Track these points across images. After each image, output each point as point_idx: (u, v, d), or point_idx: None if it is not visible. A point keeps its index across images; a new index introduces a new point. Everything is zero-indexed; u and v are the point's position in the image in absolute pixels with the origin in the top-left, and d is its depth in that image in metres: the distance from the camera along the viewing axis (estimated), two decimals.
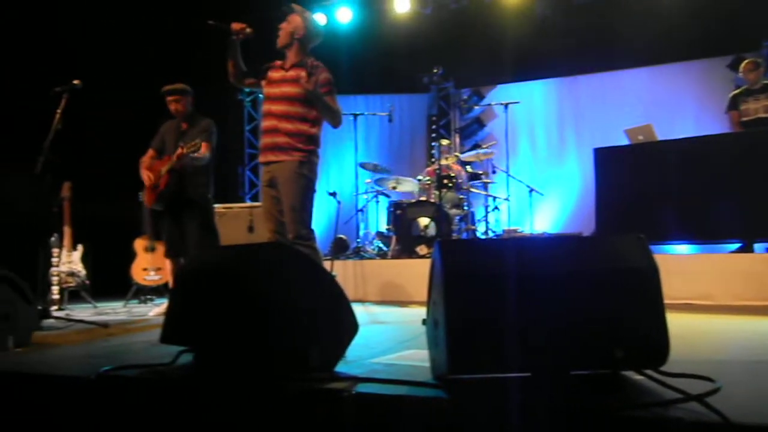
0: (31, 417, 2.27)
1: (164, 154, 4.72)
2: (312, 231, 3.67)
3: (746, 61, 5.96)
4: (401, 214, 6.40)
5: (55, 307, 4.94)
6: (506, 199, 7.41)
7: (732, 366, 2.29)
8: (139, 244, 6.00)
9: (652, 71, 8.09)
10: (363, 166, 7.26)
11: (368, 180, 7.45)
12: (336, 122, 3.73)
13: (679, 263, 4.81)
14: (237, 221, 6.23)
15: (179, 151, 4.43)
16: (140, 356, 2.71)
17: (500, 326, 1.78)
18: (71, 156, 4.36)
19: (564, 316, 1.80)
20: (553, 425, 1.58)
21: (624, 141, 5.68)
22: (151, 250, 5.96)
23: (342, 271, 5.86)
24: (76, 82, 4.25)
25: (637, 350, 1.78)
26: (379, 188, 7.38)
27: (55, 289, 5.09)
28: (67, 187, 5.50)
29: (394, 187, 7.20)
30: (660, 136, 5.51)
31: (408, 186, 7.22)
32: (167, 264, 5.39)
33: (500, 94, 8.75)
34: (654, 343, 1.79)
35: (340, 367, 2.18)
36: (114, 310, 5.27)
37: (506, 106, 7.45)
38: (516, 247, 2.02)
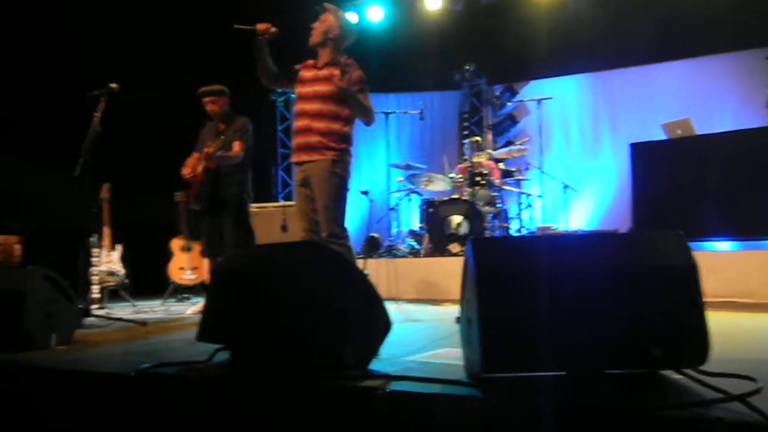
0: (73, 413, 2.33)
1: None
2: (345, 229, 3.68)
3: None
4: (433, 212, 6.38)
5: (96, 306, 5.05)
6: (540, 196, 7.33)
7: None
8: (176, 243, 6.10)
9: (691, 64, 7.90)
10: (395, 164, 7.26)
11: (400, 178, 7.44)
12: (369, 120, 3.74)
13: (720, 260, 4.70)
14: (270, 220, 6.29)
15: (206, 150, 4.49)
16: (178, 354, 2.76)
17: (534, 325, 1.76)
18: (109, 158, 4.46)
19: (600, 315, 1.78)
20: (589, 426, 1.56)
21: (661, 136, 5.56)
22: (187, 249, 6.06)
23: (375, 269, 5.87)
24: (113, 85, 4.33)
25: (676, 349, 1.75)
26: (411, 186, 7.37)
27: (95, 288, 5.21)
28: (106, 189, 5.62)
29: (426, 185, 7.18)
30: (699, 130, 5.38)
31: (440, 184, 7.19)
32: (204, 263, 5.48)
33: (533, 89, 8.65)
34: (694, 341, 1.75)
35: (374, 365, 2.19)
36: (152, 309, 5.37)
37: (539, 102, 7.37)
38: (550, 245, 2.00)
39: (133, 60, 6.38)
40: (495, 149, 7.73)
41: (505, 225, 6.99)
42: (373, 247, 6.82)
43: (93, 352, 2.97)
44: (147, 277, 6.18)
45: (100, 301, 5.28)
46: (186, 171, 4.68)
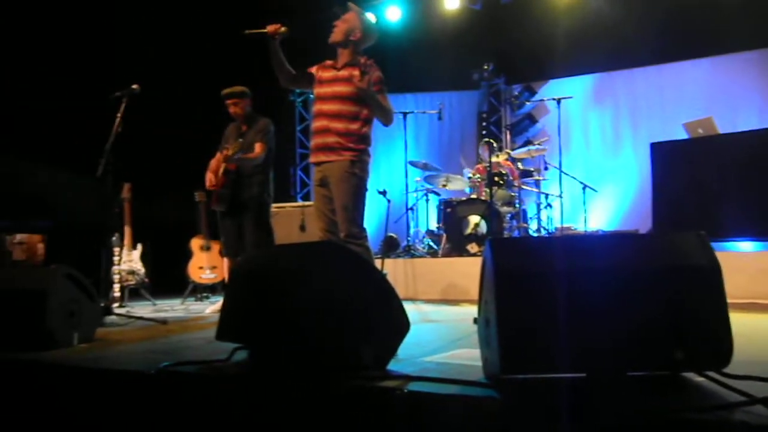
0: (94, 411, 2.36)
1: None
2: (363, 229, 3.67)
3: None
4: (451, 212, 6.37)
5: (117, 305, 5.11)
6: (559, 196, 7.27)
7: None
8: (195, 243, 6.15)
9: (713, 62, 7.80)
10: (413, 164, 7.26)
11: (418, 178, 7.44)
12: (388, 121, 3.73)
13: (743, 261, 4.63)
14: (289, 220, 6.32)
15: (225, 152, 4.53)
16: (197, 352, 2.79)
17: (553, 326, 1.75)
18: (131, 158, 4.51)
19: (621, 316, 1.76)
20: (609, 429, 1.55)
21: (682, 135, 5.50)
22: (206, 249, 6.10)
23: (393, 269, 5.87)
24: (134, 86, 4.39)
25: (699, 351, 1.73)
26: (429, 186, 7.36)
27: (116, 287, 5.28)
28: (127, 189, 5.68)
29: (444, 185, 7.17)
30: (722, 129, 5.31)
31: (458, 184, 7.18)
32: (223, 262, 5.51)
33: (552, 89, 8.59)
34: (716, 343, 1.73)
35: (392, 366, 2.19)
36: (172, 308, 5.42)
37: (559, 101, 7.30)
38: (569, 245, 1.98)
39: (154, 61, 6.45)
40: (513, 149, 7.70)
41: (524, 225, 6.95)
42: (391, 247, 6.82)
43: (114, 350, 3.00)
44: (167, 276, 6.24)
45: (120, 299, 5.34)
46: (209, 181, 4.71)
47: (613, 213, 8.25)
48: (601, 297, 1.78)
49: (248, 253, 4.48)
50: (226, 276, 5.78)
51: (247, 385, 2.11)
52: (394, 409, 1.81)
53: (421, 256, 6.44)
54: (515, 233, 6.74)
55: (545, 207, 7.31)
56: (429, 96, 8.95)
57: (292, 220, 6.34)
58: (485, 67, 6.58)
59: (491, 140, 7.33)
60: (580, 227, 7.43)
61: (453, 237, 6.30)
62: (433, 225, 7.34)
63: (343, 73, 3.69)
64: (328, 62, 3.82)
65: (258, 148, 4.64)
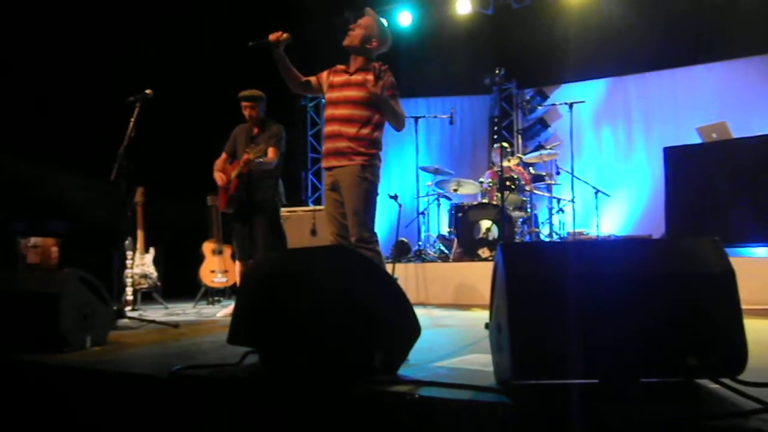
0: (106, 413, 2.37)
1: (236, 157, 4.86)
2: (374, 234, 3.67)
3: None
4: (463, 217, 6.36)
5: (129, 308, 5.14)
6: (571, 201, 7.24)
7: None
8: (207, 247, 6.18)
9: (727, 66, 7.74)
10: (424, 169, 7.26)
11: (429, 183, 7.43)
12: (400, 126, 3.72)
13: (758, 266, 4.58)
14: (300, 224, 6.34)
15: (246, 156, 4.55)
16: (209, 356, 2.80)
17: (565, 331, 1.74)
18: (144, 162, 4.54)
19: (633, 322, 1.74)
20: None
21: (696, 140, 5.46)
22: (218, 253, 6.13)
23: (404, 274, 5.86)
24: (148, 91, 4.42)
25: (713, 358, 1.71)
26: (441, 191, 7.35)
27: (129, 290, 5.31)
28: (140, 192, 5.72)
29: (456, 190, 7.15)
30: (735, 134, 5.27)
31: (469, 188, 7.16)
32: (234, 266, 5.52)
33: (564, 93, 8.57)
34: (731, 350, 1.71)
35: (403, 371, 2.18)
36: (184, 311, 5.45)
37: (571, 105, 7.28)
38: (581, 250, 1.97)
39: (168, 66, 6.49)
40: (525, 153, 7.67)
41: (536, 230, 6.93)
42: (402, 252, 6.82)
43: (126, 353, 3.02)
44: (179, 279, 6.27)
45: (133, 303, 5.37)
46: (221, 179, 4.74)
47: (625, 218, 8.20)
48: (613, 303, 1.77)
49: (258, 256, 4.49)
50: (237, 280, 5.81)
51: (258, 389, 2.11)
52: (405, 414, 1.81)
53: (432, 261, 6.43)
54: (527, 238, 6.72)
55: (557, 212, 7.28)
56: (440, 100, 8.95)
57: (304, 224, 6.36)
58: (497, 71, 6.54)
59: (504, 144, 7.31)
60: (592, 232, 7.38)
61: (464, 241, 6.29)
62: (445, 229, 7.33)
63: (357, 77, 3.68)
64: (340, 67, 3.81)
65: (271, 153, 4.67)
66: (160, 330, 4.00)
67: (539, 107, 8.84)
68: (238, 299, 2.70)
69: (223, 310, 5.07)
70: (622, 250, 2.02)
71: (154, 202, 5.89)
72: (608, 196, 7.44)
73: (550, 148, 7.28)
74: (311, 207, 7.69)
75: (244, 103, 4.85)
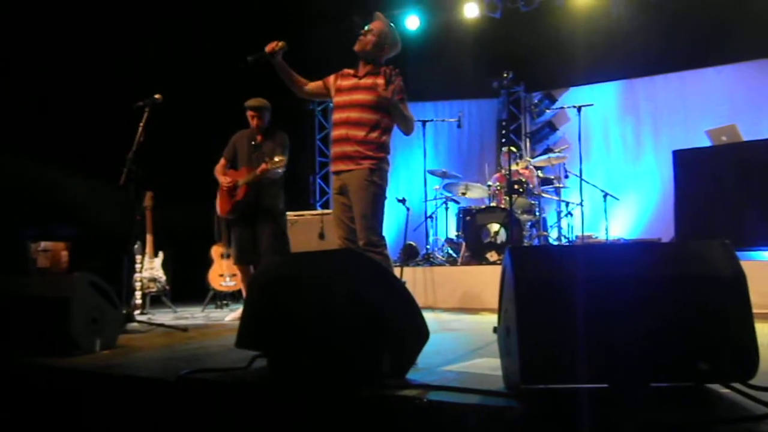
0: (116, 416, 2.38)
1: (236, 163, 4.87)
2: (383, 238, 3.67)
3: None
4: (471, 221, 6.35)
5: (138, 312, 5.17)
6: (579, 204, 7.21)
7: None
8: (216, 250, 6.19)
9: (736, 68, 7.70)
10: (432, 172, 7.26)
11: (437, 186, 7.43)
12: (409, 130, 3.72)
13: None
14: (308, 228, 6.35)
15: (264, 166, 4.56)
16: (217, 360, 2.80)
17: (574, 335, 1.73)
18: (153, 167, 4.56)
19: (643, 326, 1.73)
20: None
21: (705, 143, 5.43)
22: (227, 256, 6.14)
23: (412, 277, 5.86)
24: (157, 96, 4.45)
25: (724, 362, 1.70)
26: (449, 194, 7.35)
27: (138, 294, 5.33)
28: (149, 197, 5.74)
29: (464, 193, 7.15)
30: (745, 136, 5.24)
31: (477, 192, 7.15)
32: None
33: (573, 96, 8.55)
34: (742, 354, 1.70)
35: (412, 375, 2.18)
36: (192, 315, 5.46)
37: (579, 109, 7.25)
38: (590, 254, 1.96)
39: (177, 71, 6.53)
40: (533, 157, 7.66)
41: (544, 233, 6.91)
42: (410, 256, 6.81)
43: (135, 357, 3.03)
44: (188, 283, 6.29)
45: (142, 306, 5.39)
46: (227, 181, 4.76)
47: (634, 221, 8.16)
48: (623, 307, 1.76)
49: (267, 260, 4.50)
50: (242, 285, 5.82)
51: (266, 393, 2.12)
52: (414, 418, 1.81)
53: (440, 265, 6.42)
54: (535, 242, 6.70)
55: (566, 215, 7.26)
56: (448, 104, 8.95)
57: (311, 228, 6.36)
58: (505, 75, 6.52)
59: (512, 147, 7.30)
60: (601, 236, 7.35)
61: (472, 245, 6.28)
62: (453, 233, 7.32)
63: (366, 81, 3.67)
64: (348, 70, 3.81)
65: (281, 162, 4.70)
66: (168, 333, 4.01)
67: (547, 110, 8.82)
68: (245, 304, 2.71)
69: (232, 314, 5.08)
70: (631, 253, 2.01)
71: (163, 206, 5.91)
72: (617, 199, 7.41)
73: (559, 152, 7.27)
74: (319, 211, 7.70)
75: (249, 112, 4.85)
